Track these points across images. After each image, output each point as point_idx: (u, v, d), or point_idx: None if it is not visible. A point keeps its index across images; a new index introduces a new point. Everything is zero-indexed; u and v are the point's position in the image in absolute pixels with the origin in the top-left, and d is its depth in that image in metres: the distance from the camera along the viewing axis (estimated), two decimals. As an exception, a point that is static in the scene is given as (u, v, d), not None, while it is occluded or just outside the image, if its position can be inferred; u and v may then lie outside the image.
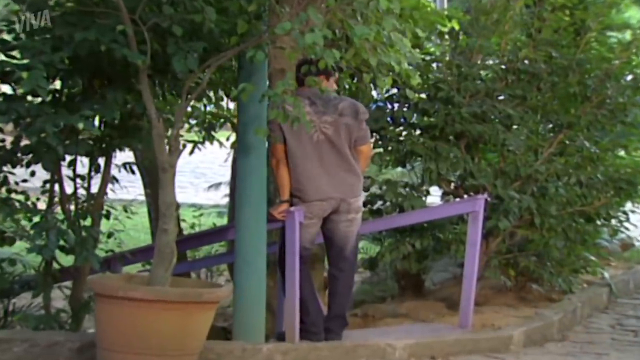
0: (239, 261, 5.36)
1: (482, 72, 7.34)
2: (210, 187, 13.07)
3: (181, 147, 7.91)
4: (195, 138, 5.93)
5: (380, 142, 7.15)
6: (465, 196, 7.15)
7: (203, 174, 20.85)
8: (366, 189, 7.19)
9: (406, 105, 7.16)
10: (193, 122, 6.24)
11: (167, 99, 5.80)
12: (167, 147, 4.79)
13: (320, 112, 5.22)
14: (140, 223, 10.65)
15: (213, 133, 5.97)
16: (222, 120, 7.70)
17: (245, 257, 5.32)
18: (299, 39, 4.45)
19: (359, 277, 9.82)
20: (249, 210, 5.31)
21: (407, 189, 7.28)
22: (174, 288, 4.79)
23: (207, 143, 5.86)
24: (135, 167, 5.94)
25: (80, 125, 4.79)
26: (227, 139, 7.48)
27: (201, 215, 10.40)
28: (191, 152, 9.01)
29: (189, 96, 4.91)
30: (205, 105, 7.95)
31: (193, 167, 22.06)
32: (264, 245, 5.39)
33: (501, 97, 7.32)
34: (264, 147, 5.37)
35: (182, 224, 10.38)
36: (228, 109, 7.68)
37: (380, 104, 7.20)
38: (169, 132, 4.86)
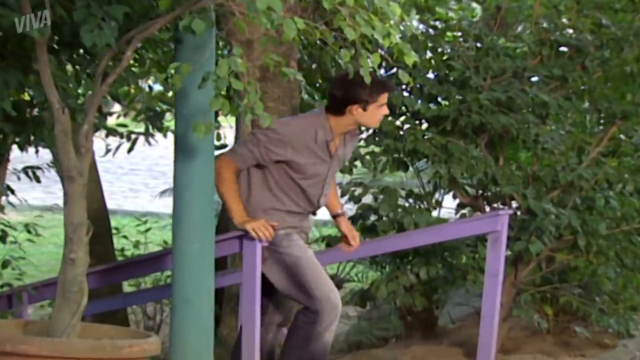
0: (176, 299, 5.15)
1: (509, 45, 7.31)
2: (163, 192, 12.89)
3: (124, 140, 7.72)
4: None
5: (375, 139, 7.12)
6: (488, 209, 7.19)
7: (162, 174, 20.73)
8: (358, 199, 7.25)
9: (408, 89, 7.12)
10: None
11: (84, 83, 5.55)
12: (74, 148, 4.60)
13: None
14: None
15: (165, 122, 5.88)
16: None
17: (184, 294, 5.12)
18: (249, 3, 4.18)
19: (355, 312, 9.81)
20: (190, 231, 5.11)
21: (412, 200, 7.31)
22: (84, 339, 4.59)
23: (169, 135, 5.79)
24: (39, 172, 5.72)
25: (-44, 119, 4.57)
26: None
27: (148, 230, 10.17)
28: (130, 149, 8.87)
29: (105, 80, 4.65)
30: (150, 87, 7.76)
31: (150, 165, 22.02)
32: (211, 278, 5.18)
33: (534, 79, 7.30)
34: (211, 148, 5.16)
35: (124, 242, 10.27)
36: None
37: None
38: (85, 127, 4.62)
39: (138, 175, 20.97)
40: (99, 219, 8.02)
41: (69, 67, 5.54)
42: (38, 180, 5.75)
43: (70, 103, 5.21)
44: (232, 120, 7.56)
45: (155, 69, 6.21)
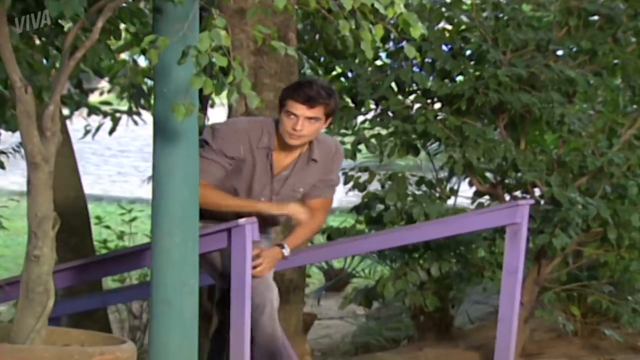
0: (156, 300, 5.09)
1: (532, 15, 7.32)
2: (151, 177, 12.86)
3: (104, 120, 7.53)
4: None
5: (380, 119, 7.12)
6: (508, 197, 7.20)
7: (155, 156, 20.88)
8: (363, 187, 7.28)
9: (418, 64, 7.11)
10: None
11: (53, 56, 5.54)
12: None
13: None
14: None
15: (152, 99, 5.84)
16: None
17: (164, 294, 5.05)
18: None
19: (363, 311, 9.83)
20: (170, 224, 5.05)
21: (424, 188, 7.34)
22: (49, 346, 4.55)
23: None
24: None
25: None
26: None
27: (133, 219, 10.12)
28: (111, 130, 8.83)
29: (73, 54, 4.55)
30: (135, 61, 7.73)
31: (141, 145, 21.98)
32: (195, 277, 5.11)
33: (560, 53, 7.27)
34: (195, 132, 5.08)
35: (109, 233, 10.21)
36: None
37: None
38: (51, 108, 4.53)
39: (127, 158, 20.91)
40: (76, 208, 7.98)
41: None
42: (2, 167, 5.69)
43: (36, 80, 5.18)
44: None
45: (133, 41, 6.14)
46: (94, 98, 11.93)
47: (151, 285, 5.13)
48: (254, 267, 5.35)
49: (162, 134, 5.05)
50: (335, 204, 5.95)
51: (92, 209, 17.14)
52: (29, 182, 4.60)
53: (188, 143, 5.05)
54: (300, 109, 5.24)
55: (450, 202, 7.76)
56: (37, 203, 4.56)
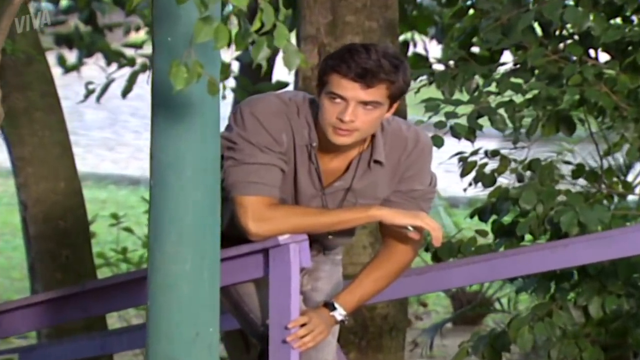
0: (154, 357, 5.19)
1: None
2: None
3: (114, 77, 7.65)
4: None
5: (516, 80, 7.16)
6: None
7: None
8: (491, 181, 7.30)
9: None
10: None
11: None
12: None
13: None
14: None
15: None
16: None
17: (168, 350, 5.17)
18: None
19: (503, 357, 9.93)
20: (175, 243, 5.15)
21: (582, 182, 7.42)
22: None
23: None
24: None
25: None
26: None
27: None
28: (125, 93, 8.91)
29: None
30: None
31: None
32: (214, 321, 5.21)
33: None
34: (215, 105, 5.14)
35: (132, 238, 10.28)
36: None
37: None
38: None
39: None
40: (69, 205, 8.04)
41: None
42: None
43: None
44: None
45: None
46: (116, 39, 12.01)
47: (147, 334, 5.22)
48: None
49: (165, 106, 5.13)
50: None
51: (125, 196, 17.51)
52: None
53: (204, 119, 5.11)
54: (351, 89, 5.10)
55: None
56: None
